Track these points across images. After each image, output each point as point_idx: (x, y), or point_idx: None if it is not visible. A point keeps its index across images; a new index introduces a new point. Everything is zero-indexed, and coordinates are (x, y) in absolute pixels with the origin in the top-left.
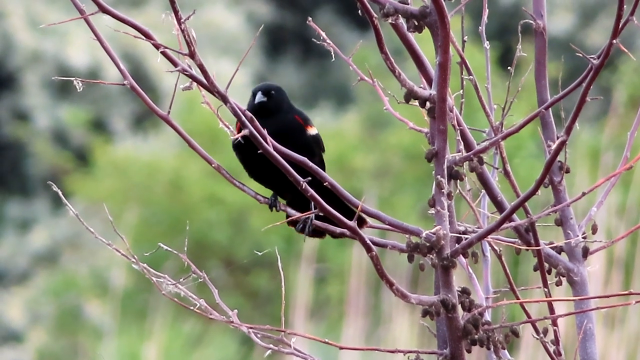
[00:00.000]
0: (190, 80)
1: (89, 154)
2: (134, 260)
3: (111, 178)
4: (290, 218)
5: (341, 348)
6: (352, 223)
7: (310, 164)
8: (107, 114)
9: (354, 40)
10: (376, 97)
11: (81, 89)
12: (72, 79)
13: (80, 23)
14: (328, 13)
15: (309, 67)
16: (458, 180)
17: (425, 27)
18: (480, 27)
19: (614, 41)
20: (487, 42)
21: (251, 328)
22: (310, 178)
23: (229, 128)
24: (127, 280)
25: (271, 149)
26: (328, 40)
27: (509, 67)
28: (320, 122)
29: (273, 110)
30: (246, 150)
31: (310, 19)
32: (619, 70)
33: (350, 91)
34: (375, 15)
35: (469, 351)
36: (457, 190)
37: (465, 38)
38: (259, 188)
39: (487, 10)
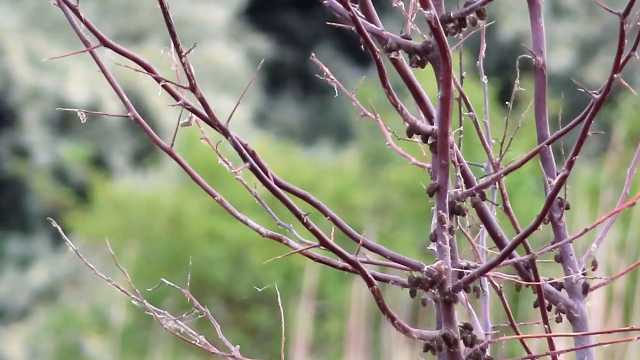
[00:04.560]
0: (190, 115)
1: (88, 190)
2: (135, 296)
3: (111, 214)
4: (292, 252)
5: None
6: (354, 257)
7: (312, 198)
8: (106, 150)
9: (354, 75)
10: (376, 134)
11: (84, 120)
12: (76, 110)
13: (80, 59)
14: (328, 49)
15: (308, 103)
16: (459, 216)
17: (428, 63)
18: (478, 62)
19: (615, 76)
20: (485, 77)
21: None
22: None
23: (228, 164)
24: (127, 317)
25: (272, 183)
26: (331, 76)
27: (507, 102)
28: (320, 159)
29: None
30: None
31: (314, 54)
32: (619, 107)
33: (350, 128)
34: (377, 50)
35: None
36: (458, 226)
37: (464, 74)
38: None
39: (485, 45)
